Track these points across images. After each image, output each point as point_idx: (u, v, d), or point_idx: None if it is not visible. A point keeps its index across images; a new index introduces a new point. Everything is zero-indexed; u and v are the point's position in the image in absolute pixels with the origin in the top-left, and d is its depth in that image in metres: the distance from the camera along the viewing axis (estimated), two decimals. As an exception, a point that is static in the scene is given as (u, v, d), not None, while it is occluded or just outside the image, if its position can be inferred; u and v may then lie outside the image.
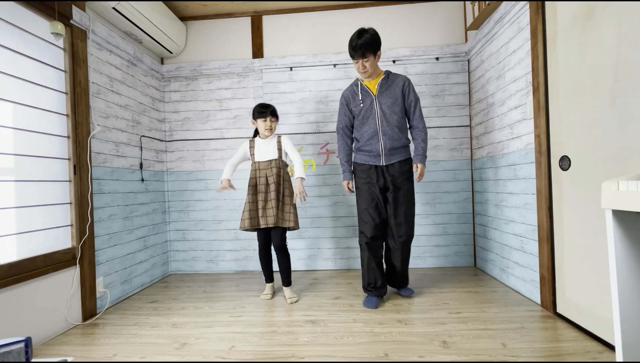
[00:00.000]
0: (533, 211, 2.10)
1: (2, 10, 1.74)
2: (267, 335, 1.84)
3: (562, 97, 1.83)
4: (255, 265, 3.16)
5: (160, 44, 2.95)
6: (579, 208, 1.73)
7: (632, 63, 1.40)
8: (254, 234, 3.10)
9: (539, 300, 2.09)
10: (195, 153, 3.22)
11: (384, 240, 2.28)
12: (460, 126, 3.06)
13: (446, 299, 2.25)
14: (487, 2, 2.43)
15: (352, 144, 2.34)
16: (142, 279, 2.76)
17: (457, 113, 3.06)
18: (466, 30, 3.00)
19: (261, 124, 2.37)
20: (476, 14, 2.67)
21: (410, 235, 2.22)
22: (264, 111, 2.36)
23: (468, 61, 3.04)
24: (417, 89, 3.01)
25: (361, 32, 2.10)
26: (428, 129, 3.02)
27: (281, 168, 2.35)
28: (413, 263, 3.07)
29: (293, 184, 2.38)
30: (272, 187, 2.29)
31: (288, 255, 2.41)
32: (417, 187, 3.03)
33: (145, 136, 2.89)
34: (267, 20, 3.20)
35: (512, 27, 2.28)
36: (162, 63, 3.25)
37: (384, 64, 3.03)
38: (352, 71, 3.12)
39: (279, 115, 2.92)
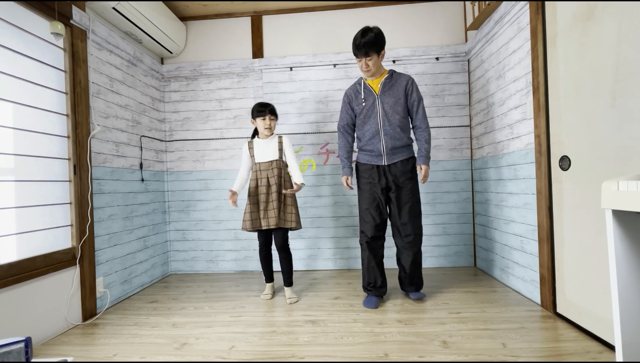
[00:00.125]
0: (533, 211, 2.10)
1: (2, 10, 1.74)
2: (267, 335, 1.84)
3: (562, 97, 1.83)
4: (256, 265, 3.16)
5: (160, 44, 2.95)
6: (579, 208, 1.73)
7: (632, 63, 1.40)
8: (254, 234, 3.10)
9: (539, 300, 2.09)
10: (195, 153, 3.22)
11: (385, 240, 2.27)
12: (460, 126, 3.06)
13: (446, 299, 2.25)
14: (487, 2, 2.43)
15: (352, 141, 2.34)
16: (142, 279, 2.76)
17: (457, 113, 3.06)
18: (466, 30, 3.00)
19: (260, 123, 2.36)
20: (476, 14, 2.67)
21: (418, 234, 2.19)
22: (263, 110, 2.34)
23: (468, 61, 3.04)
24: (417, 89, 3.01)
25: (365, 31, 2.10)
26: (428, 129, 3.01)
27: (282, 168, 2.35)
28: (413, 263, 3.06)
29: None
30: (274, 188, 2.29)
31: (290, 255, 2.41)
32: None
33: (145, 136, 2.89)
34: (267, 20, 3.20)
35: (512, 27, 2.28)
36: (162, 63, 3.25)
37: (383, 64, 3.03)
38: (352, 71, 3.12)
39: (279, 115, 2.92)
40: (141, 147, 2.82)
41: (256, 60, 3.14)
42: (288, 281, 2.40)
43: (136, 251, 2.69)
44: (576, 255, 1.77)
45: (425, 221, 3.06)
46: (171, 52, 3.13)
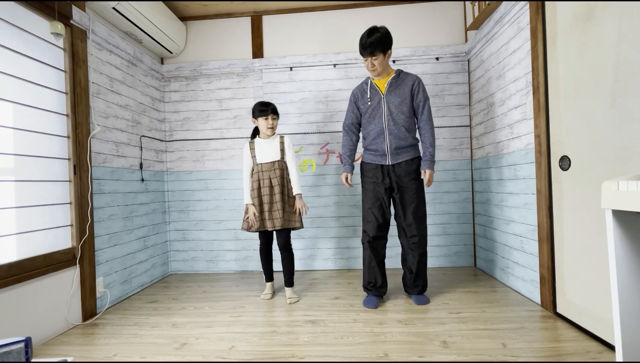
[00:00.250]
0: (533, 211, 2.10)
1: (2, 10, 1.74)
2: (267, 335, 1.84)
3: (562, 97, 1.83)
4: (256, 265, 3.16)
5: (160, 44, 2.95)
6: (579, 208, 1.73)
7: (632, 63, 1.40)
8: (254, 233, 3.10)
9: (539, 300, 2.09)
10: (195, 153, 3.22)
11: (387, 240, 2.27)
12: (460, 126, 3.06)
13: (446, 299, 2.25)
14: (487, 2, 2.44)
15: (356, 141, 2.34)
16: (142, 279, 2.76)
17: (457, 113, 3.06)
18: (466, 30, 3.00)
19: (262, 122, 2.34)
20: (476, 14, 2.67)
21: (422, 235, 2.18)
22: (265, 109, 2.32)
23: (468, 61, 3.04)
24: (417, 89, 3.01)
25: (372, 31, 2.09)
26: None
27: (284, 169, 2.34)
28: (413, 263, 3.07)
29: None
30: (277, 189, 2.28)
31: (292, 255, 2.41)
32: (417, 187, 3.03)
33: (145, 136, 2.89)
34: (267, 20, 3.20)
35: (512, 27, 2.28)
36: (162, 63, 3.25)
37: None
38: (352, 71, 3.12)
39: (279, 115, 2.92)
40: (141, 147, 2.82)
41: (256, 60, 3.14)
42: (289, 282, 2.40)
43: (136, 251, 2.69)
44: (576, 255, 1.77)
45: (425, 221, 3.06)
46: (171, 52, 3.13)
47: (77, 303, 2.08)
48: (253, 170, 2.38)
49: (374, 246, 2.23)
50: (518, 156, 2.26)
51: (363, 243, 2.27)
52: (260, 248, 2.43)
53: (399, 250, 2.97)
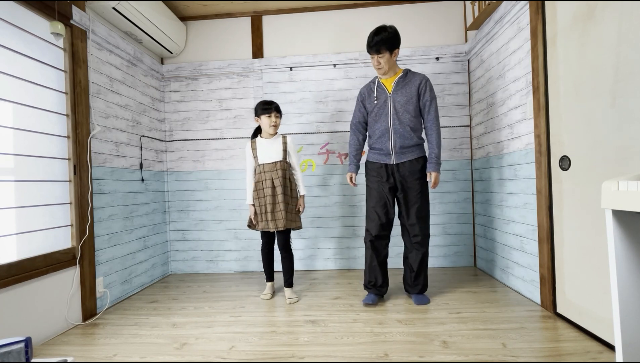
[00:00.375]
0: (533, 211, 2.10)
1: (2, 10, 1.74)
2: (267, 335, 1.84)
3: (562, 97, 1.83)
4: (256, 265, 3.16)
5: (160, 44, 2.95)
6: (579, 208, 1.73)
7: (632, 63, 1.40)
8: (255, 233, 3.11)
9: (539, 300, 2.09)
10: (195, 153, 3.22)
11: (389, 240, 2.28)
12: (460, 126, 3.06)
13: (446, 299, 2.25)
14: (487, 2, 2.43)
15: (363, 140, 2.35)
16: (142, 279, 2.76)
17: (457, 113, 3.06)
18: (466, 30, 3.00)
19: (265, 120, 2.33)
20: (476, 14, 2.67)
21: (425, 235, 2.19)
22: (268, 107, 2.32)
23: (468, 61, 3.04)
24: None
25: (380, 29, 2.11)
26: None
27: (286, 169, 2.34)
28: (413, 263, 3.07)
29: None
30: (279, 190, 2.27)
31: (292, 255, 2.41)
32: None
33: (145, 136, 2.89)
34: (267, 20, 3.20)
35: (512, 27, 2.28)
36: (162, 63, 3.25)
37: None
38: (352, 71, 3.12)
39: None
40: (141, 147, 2.82)
41: (256, 60, 3.14)
42: (288, 282, 2.40)
43: (136, 251, 2.69)
44: (576, 255, 1.77)
45: (425, 221, 3.06)
46: (171, 52, 3.13)
47: (77, 303, 2.08)
48: (255, 170, 2.37)
49: (376, 246, 2.23)
50: (518, 156, 2.26)
51: (365, 242, 2.27)
52: (262, 247, 2.44)
53: (400, 250, 2.97)
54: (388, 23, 2.17)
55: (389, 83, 2.20)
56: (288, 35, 3.18)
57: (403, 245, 2.36)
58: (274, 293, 2.49)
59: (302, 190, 2.42)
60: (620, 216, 1.05)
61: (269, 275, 2.47)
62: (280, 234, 2.34)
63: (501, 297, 2.25)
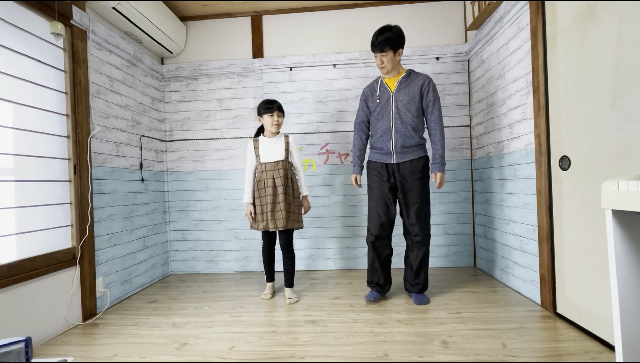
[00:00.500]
0: (533, 211, 2.10)
1: (2, 10, 1.74)
2: (267, 335, 1.84)
3: (562, 97, 1.83)
4: (256, 265, 3.16)
5: (160, 44, 2.95)
6: (579, 208, 1.73)
7: (632, 63, 1.40)
8: (255, 233, 3.11)
9: (539, 300, 2.09)
10: (195, 153, 3.22)
11: (390, 240, 2.28)
12: (460, 126, 3.06)
13: (446, 299, 2.25)
14: (487, 2, 2.44)
15: (366, 139, 2.36)
16: (142, 279, 2.76)
17: (457, 113, 3.06)
18: (466, 30, 3.00)
19: (268, 120, 2.32)
20: (476, 14, 2.67)
21: (426, 234, 2.19)
22: (271, 106, 2.31)
23: (468, 61, 3.04)
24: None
25: (384, 28, 2.13)
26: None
27: (288, 169, 2.34)
28: (413, 263, 3.07)
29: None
30: (280, 189, 2.26)
31: (294, 255, 2.41)
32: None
33: (145, 136, 2.89)
34: (267, 20, 3.20)
35: (512, 27, 2.28)
36: (162, 63, 3.25)
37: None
38: (352, 71, 3.12)
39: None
40: (141, 147, 2.82)
41: (256, 60, 3.14)
42: (289, 282, 2.40)
43: (136, 251, 2.69)
44: (576, 255, 1.76)
45: (425, 221, 3.06)
46: (171, 52, 3.13)
47: (77, 303, 2.08)
48: (256, 169, 2.37)
49: (377, 246, 2.24)
50: (518, 156, 2.26)
51: (367, 243, 2.29)
52: (263, 248, 2.43)
53: (401, 249, 2.97)
54: (388, 23, 2.18)
55: (392, 83, 2.21)
56: (288, 35, 3.18)
57: (405, 244, 2.36)
58: (274, 294, 2.49)
59: (304, 190, 2.42)
60: (620, 216, 1.05)
61: (270, 275, 2.47)
62: (282, 234, 2.33)
63: (501, 297, 2.25)
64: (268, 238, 2.41)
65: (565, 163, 1.80)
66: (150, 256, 2.90)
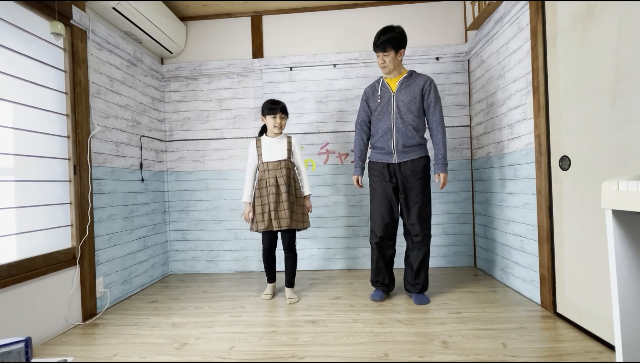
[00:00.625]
0: (533, 211, 2.10)
1: (2, 10, 1.74)
2: (267, 335, 1.84)
3: (562, 97, 1.83)
4: (255, 265, 3.16)
5: (160, 44, 2.95)
6: (579, 208, 1.73)
7: (632, 63, 1.40)
8: (255, 234, 3.10)
9: (539, 300, 2.08)
10: (195, 153, 3.22)
11: (394, 241, 2.29)
12: (460, 126, 3.06)
13: (446, 299, 2.25)
14: (487, 2, 2.44)
15: (367, 139, 2.36)
16: (142, 279, 2.76)
17: (457, 113, 3.06)
18: (466, 30, 3.00)
19: (270, 121, 2.31)
20: (476, 14, 2.67)
21: (426, 235, 2.19)
22: (274, 107, 2.30)
23: (468, 61, 3.04)
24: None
25: (387, 29, 2.15)
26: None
27: (290, 168, 2.33)
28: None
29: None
30: (283, 188, 2.25)
31: (296, 255, 2.40)
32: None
33: (145, 136, 2.89)
34: (267, 20, 3.20)
35: (512, 27, 2.28)
36: (162, 63, 3.25)
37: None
38: (352, 71, 3.12)
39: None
40: (141, 147, 2.82)
41: (256, 60, 3.14)
42: (290, 282, 2.39)
43: (136, 251, 2.69)
44: (576, 255, 1.77)
45: (425, 221, 3.06)
46: (171, 52, 3.13)
47: (77, 303, 2.08)
48: (258, 168, 2.36)
49: (381, 246, 2.25)
50: (518, 156, 2.26)
51: (371, 243, 2.30)
52: (264, 252, 2.37)
53: (402, 249, 2.97)
54: (388, 23, 2.18)
55: (394, 83, 2.22)
56: (288, 35, 3.18)
57: (405, 244, 2.36)
58: (274, 294, 2.48)
59: (307, 190, 2.39)
60: (620, 216, 1.05)
61: (271, 276, 2.45)
62: (286, 234, 2.32)
63: (501, 297, 2.25)
64: (269, 243, 2.35)
65: (565, 163, 1.80)
66: (150, 256, 2.90)
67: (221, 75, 3.20)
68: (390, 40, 2.12)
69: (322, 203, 3.13)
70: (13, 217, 1.77)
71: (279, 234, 2.40)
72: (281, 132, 2.37)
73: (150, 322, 2.07)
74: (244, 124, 3.18)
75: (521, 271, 2.27)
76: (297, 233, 3.08)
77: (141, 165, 2.80)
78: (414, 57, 3.04)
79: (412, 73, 2.22)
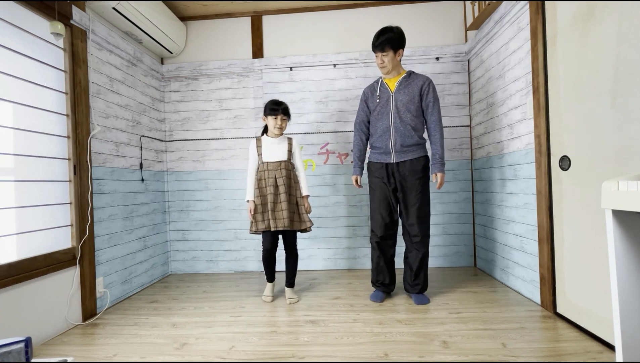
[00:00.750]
0: (533, 211, 2.10)
1: (2, 10, 1.74)
2: (267, 335, 1.84)
3: (562, 97, 1.83)
4: (255, 265, 3.16)
5: (160, 44, 2.95)
6: (579, 208, 1.73)
7: (632, 63, 1.40)
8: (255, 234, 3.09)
9: (539, 300, 2.08)
10: (195, 153, 3.22)
11: (395, 240, 2.29)
12: (460, 126, 3.06)
13: (446, 299, 2.25)
14: (487, 2, 2.44)
15: (366, 140, 2.36)
16: (142, 279, 2.76)
17: (457, 113, 3.06)
18: (466, 30, 3.00)
19: (271, 121, 2.30)
20: (476, 14, 2.67)
21: (425, 235, 2.19)
22: (276, 108, 2.29)
23: (468, 61, 3.04)
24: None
25: (385, 29, 2.16)
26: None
27: (290, 169, 2.32)
28: (413, 263, 3.06)
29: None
30: (282, 189, 2.24)
31: (297, 255, 2.39)
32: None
33: (145, 136, 2.89)
34: (267, 20, 3.20)
35: (512, 27, 2.28)
36: (162, 63, 3.25)
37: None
38: (352, 71, 3.12)
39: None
40: (141, 147, 2.82)
41: (256, 60, 3.14)
42: (290, 282, 2.39)
43: (136, 251, 2.69)
44: (576, 255, 1.77)
45: (425, 221, 3.06)
46: (171, 52, 3.13)
47: (77, 303, 2.08)
48: (258, 168, 2.35)
49: (382, 246, 2.26)
50: (518, 156, 2.26)
51: (371, 243, 2.30)
52: (264, 253, 2.33)
53: (401, 249, 2.97)
54: (388, 23, 2.19)
55: (392, 83, 2.23)
56: (288, 35, 3.18)
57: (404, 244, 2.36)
58: (274, 296, 2.44)
59: (305, 190, 2.37)
60: (620, 216, 1.05)
61: (271, 276, 2.41)
62: (288, 235, 2.31)
63: (501, 297, 2.25)
64: (270, 244, 2.31)
65: (565, 163, 1.80)
66: (150, 256, 2.90)
67: (221, 75, 3.20)
68: (389, 40, 2.13)
69: (322, 203, 3.13)
70: (13, 217, 1.77)
71: (279, 239, 2.39)
72: (282, 134, 2.36)
73: (150, 322, 2.07)
74: (244, 124, 3.18)
75: (521, 271, 2.27)
76: (298, 234, 3.09)
77: (141, 165, 2.80)
78: (414, 57, 3.04)
79: (411, 73, 2.23)
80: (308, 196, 2.38)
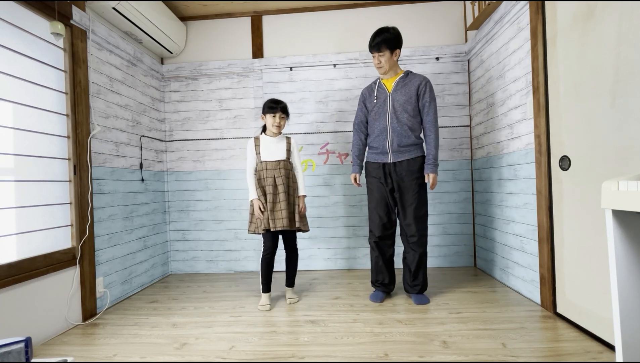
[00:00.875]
0: (533, 211, 2.10)
1: (2, 10, 1.74)
2: (267, 335, 1.84)
3: (562, 97, 1.83)
4: (255, 265, 3.15)
5: (160, 44, 2.95)
6: (579, 208, 1.73)
7: (632, 63, 1.40)
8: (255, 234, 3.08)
9: (539, 300, 2.08)
10: (195, 153, 3.22)
11: (394, 240, 2.29)
12: (460, 126, 3.06)
13: (446, 299, 2.25)
14: (487, 2, 2.44)
15: (365, 139, 2.37)
16: (142, 279, 2.76)
17: (457, 113, 3.06)
18: (466, 30, 3.00)
19: (270, 120, 2.29)
20: (476, 14, 2.67)
21: (422, 236, 2.18)
22: (275, 106, 2.27)
23: (468, 61, 3.04)
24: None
25: (382, 30, 2.17)
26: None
27: (289, 169, 2.32)
28: (413, 263, 3.06)
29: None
30: (281, 188, 2.22)
31: (297, 255, 2.39)
32: (417, 187, 3.02)
33: (145, 136, 2.89)
34: (267, 20, 3.20)
35: (512, 27, 2.28)
36: (162, 63, 3.25)
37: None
38: (352, 71, 3.12)
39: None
40: (141, 147, 2.82)
41: (256, 60, 3.14)
42: (290, 282, 2.39)
43: (136, 251, 2.69)
44: (576, 255, 1.77)
45: (425, 221, 3.06)
46: (171, 52, 3.13)
47: (77, 303, 2.08)
48: (257, 167, 2.32)
49: (381, 246, 2.26)
50: (518, 156, 2.26)
51: (370, 243, 2.31)
52: (264, 255, 2.27)
53: (400, 249, 2.97)
54: (388, 23, 2.19)
55: (390, 83, 2.23)
56: (288, 35, 3.18)
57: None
58: (271, 305, 2.30)
59: (302, 190, 2.36)
60: (620, 216, 1.05)
61: (267, 285, 2.29)
62: (288, 235, 2.31)
63: (501, 297, 2.25)
64: (272, 244, 2.27)
65: (565, 163, 1.80)
66: (150, 256, 2.90)
67: (221, 75, 3.20)
68: (385, 40, 2.13)
69: (322, 203, 3.13)
70: (13, 217, 1.77)
71: (280, 241, 2.38)
72: (280, 133, 2.35)
73: (150, 322, 2.07)
74: (244, 124, 3.18)
75: (521, 271, 2.27)
76: (298, 233, 3.08)
77: (141, 165, 2.80)
78: (414, 57, 3.04)
79: (408, 73, 2.23)
80: (305, 196, 2.37)
